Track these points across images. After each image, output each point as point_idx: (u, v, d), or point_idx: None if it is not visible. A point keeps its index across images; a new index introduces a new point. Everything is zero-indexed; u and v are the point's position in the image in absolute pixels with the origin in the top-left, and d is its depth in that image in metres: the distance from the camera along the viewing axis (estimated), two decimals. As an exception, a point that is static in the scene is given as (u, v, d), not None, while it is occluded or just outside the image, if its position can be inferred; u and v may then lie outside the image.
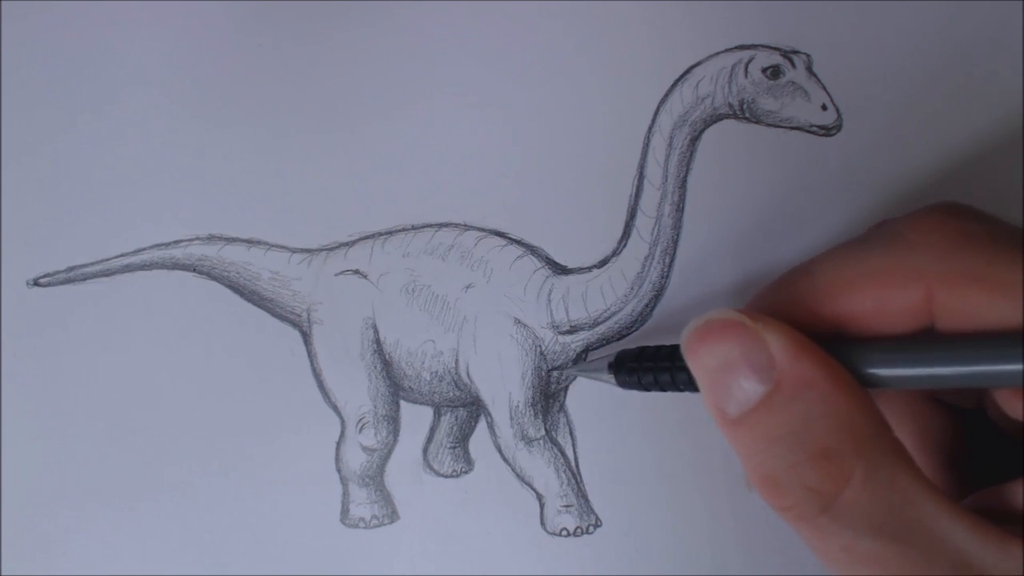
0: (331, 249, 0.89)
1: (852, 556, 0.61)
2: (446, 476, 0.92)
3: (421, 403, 0.90)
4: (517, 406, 0.86)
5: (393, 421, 0.89)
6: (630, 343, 0.87)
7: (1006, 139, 0.90)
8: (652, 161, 0.84)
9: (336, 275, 0.88)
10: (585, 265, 0.87)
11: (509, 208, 0.89)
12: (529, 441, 0.86)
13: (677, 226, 0.85)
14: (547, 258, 0.88)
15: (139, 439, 0.89)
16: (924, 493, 0.60)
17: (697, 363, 0.67)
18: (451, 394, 0.88)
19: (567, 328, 0.86)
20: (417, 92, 0.90)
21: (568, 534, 0.87)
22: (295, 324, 0.89)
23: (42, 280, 0.89)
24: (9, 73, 0.90)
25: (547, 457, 0.87)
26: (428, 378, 0.88)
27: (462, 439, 0.92)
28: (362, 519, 0.89)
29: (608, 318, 0.86)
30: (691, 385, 0.71)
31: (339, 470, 0.89)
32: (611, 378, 0.79)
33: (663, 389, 0.75)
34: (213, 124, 0.90)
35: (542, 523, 0.88)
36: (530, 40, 0.90)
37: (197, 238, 0.89)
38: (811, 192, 0.89)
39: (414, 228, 0.89)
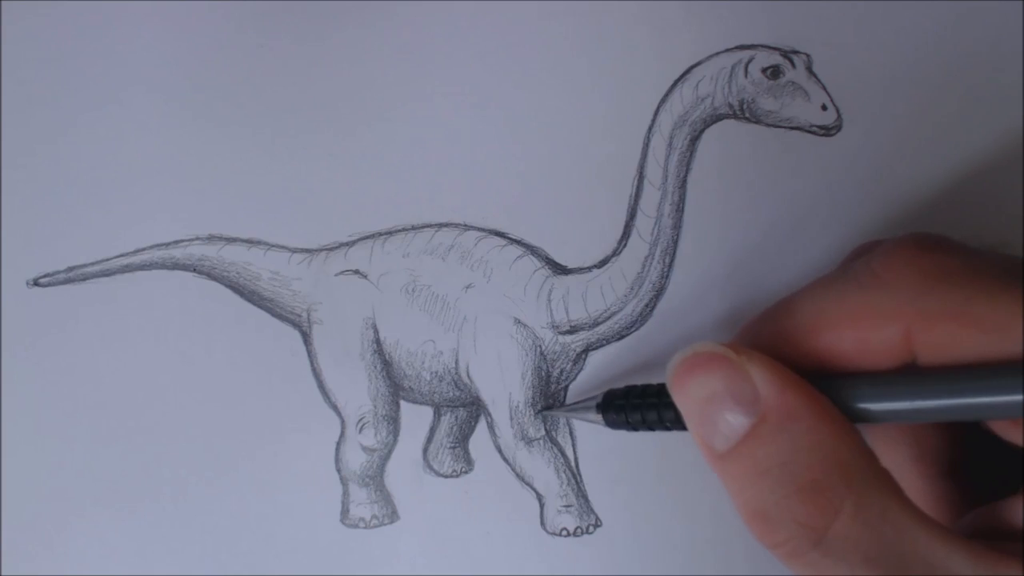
0: (331, 249, 0.89)
1: None
2: (446, 476, 0.92)
3: (421, 403, 0.90)
4: (517, 406, 0.86)
5: (393, 421, 0.89)
6: (630, 343, 0.87)
7: (1006, 139, 0.90)
8: (652, 161, 0.84)
9: (336, 275, 0.88)
10: (585, 265, 0.87)
11: (509, 208, 0.89)
12: (529, 441, 0.86)
13: (677, 226, 0.85)
14: (547, 258, 0.88)
15: (139, 439, 0.89)
16: (916, 522, 0.60)
17: (683, 396, 0.67)
18: (451, 394, 0.88)
19: (567, 328, 0.86)
20: (417, 92, 0.90)
21: (568, 534, 0.87)
22: (295, 324, 0.89)
23: (42, 280, 0.89)
24: (9, 73, 0.90)
25: (547, 457, 0.87)
26: (428, 378, 0.88)
27: (462, 439, 0.92)
28: (362, 519, 0.89)
29: (608, 318, 0.86)
30: (679, 423, 0.71)
31: (339, 470, 0.89)
32: (599, 419, 0.79)
33: (651, 428, 0.75)
34: (213, 124, 0.90)
35: (542, 523, 0.88)
36: (530, 40, 0.90)
37: (197, 238, 0.89)
38: (811, 192, 0.89)
39: (414, 228, 0.89)
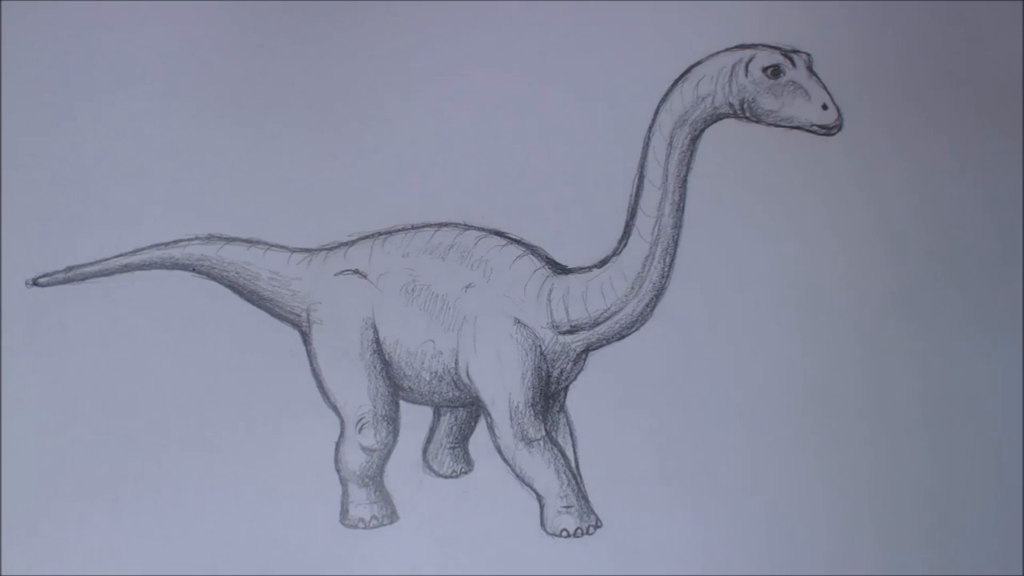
0: (331, 249, 0.89)
1: None
2: (446, 476, 0.92)
3: (421, 403, 0.90)
4: (517, 406, 0.86)
5: (393, 421, 0.89)
6: (630, 343, 0.87)
7: (1006, 139, 0.90)
8: (652, 161, 0.84)
9: (336, 275, 0.88)
10: (585, 265, 0.87)
11: (509, 208, 0.89)
12: (529, 441, 0.86)
13: (677, 226, 0.85)
14: (547, 258, 0.88)
15: (139, 439, 0.88)
16: None
17: None
18: (451, 394, 0.88)
19: (567, 328, 0.86)
20: (417, 92, 0.90)
21: (568, 535, 0.87)
22: (295, 324, 0.89)
23: (41, 280, 0.89)
24: (9, 73, 0.90)
25: (547, 457, 0.86)
26: (428, 378, 0.87)
27: (462, 439, 0.92)
28: (362, 519, 0.88)
29: (608, 318, 0.86)
30: None
31: (339, 470, 0.89)
32: None
33: None
34: (213, 124, 0.90)
35: (542, 524, 0.87)
36: (530, 40, 0.90)
37: (196, 238, 0.89)
38: (811, 192, 0.89)
39: (414, 228, 0.89)
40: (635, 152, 0.85)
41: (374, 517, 0.88)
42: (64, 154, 0.90)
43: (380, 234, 0.89)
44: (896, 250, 0.89)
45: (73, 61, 0.90)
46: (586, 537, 0.87)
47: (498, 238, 0.87)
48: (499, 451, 0.87)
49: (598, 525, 0.88)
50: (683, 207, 0.85)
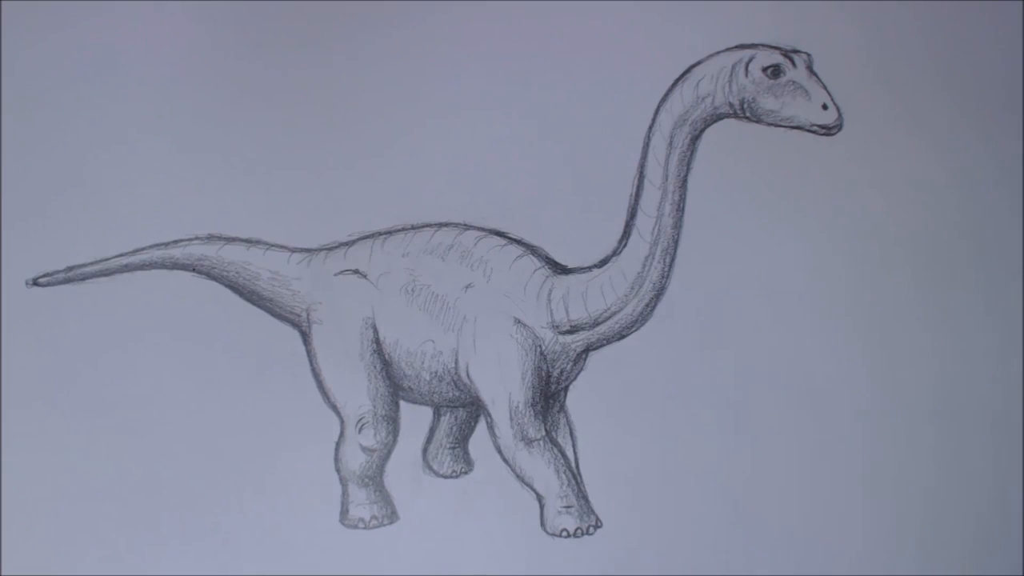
0: (330, 249, 0.89)
1: None
2: (446, 476, 0.92)
3: (421, 403, 0.90)
4: (517, 406, 0.86)
5: (393, 421, 0.89)
6: (630, 343, 0.87)
7: (1006, 139, 0.90)
8: (652, 160, 0.84)
9: (335, 275, 0.88)
10: (585, 265, 0.87)
11: (509, 208, 0.89)
12: (529, 442, 0.86)
13: (678, 226, 0.85)
14: (547, 258, 0.87)
15: (139, 439, 0.88)
16: None
17: None
18: (451, 394, 0.88)
19: (567, 328, 0.86)
20: (417, 92, 0.90)
21: (568, 535, 0.87)
22: (295, 324, 0.89)
23: (41, 280, 0.89)
24: (9, 73, 0.90)
25: (547, 458, 0.86)
26: (428, 378, 0.87)
27: (462, 439, 0.92)
28: (361, 519, 0.88)
29: (608, 318, 0.86)
30: None
31: (338, 470, 0.89)
32: None
33: None
34: (213, 124, 0.90)
35: (542, 524, 0.87)
36: (530, 40, 0.90)
37: (197, 238, 0.89)
38: (811, 192, 0.89)
39: (414, 228, 0.89)
40: (635, 152, 0.85)
41: (374, 517, 0.88)
42: (64, 154, 0.90)
43: (380, 234, 0.89)
44: (896, 250, 0.89)
45: (73, 61, 0.90)
46: (586, 537, 0.87)
47: (498, 238, 0.87)
48: (499, 451, 0.87)
49: (598, 525, 0.88)
50: (683, 207, 0.85)
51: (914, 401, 0.89)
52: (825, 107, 0.82)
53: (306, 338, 0.89)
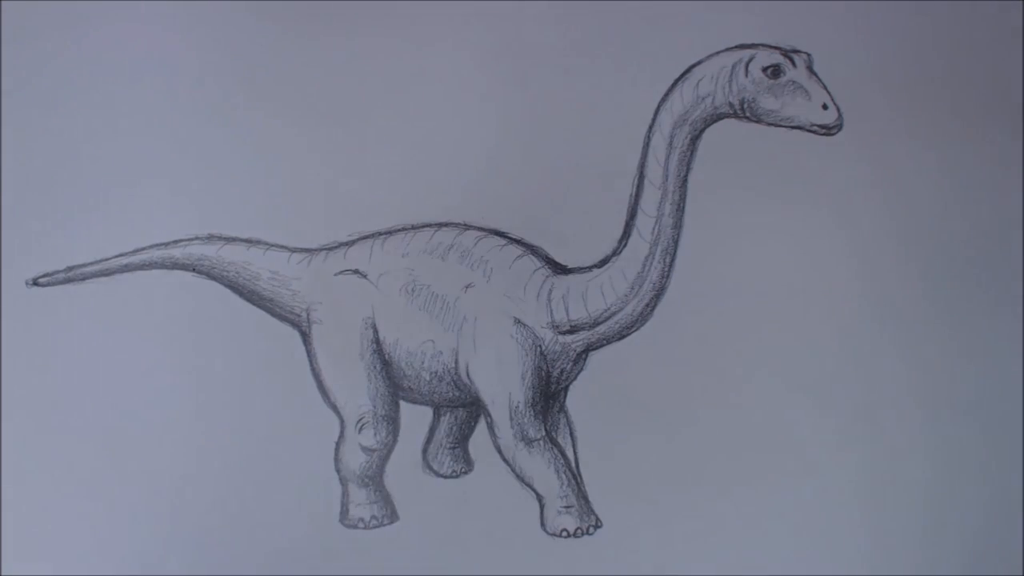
0: (330, 249, 0.89)
1: None
2: (446, 477, 0.92)
3: (421, 403, 0.90)
4: (517, 406, 0.86)
5: (393, 421, 0.89)
6: (630, 343, 0.87)
7: (1006, 139, 0.90)
8: (652, 160, 0.84)
9: (335, 275, 0.88)
10: (585, 265, 0.87)
11: (509, 208, 0.89)
12: (529, 442, 0.86)
13: (678, 226, 0.85)
14: (547, 258, 0.88)
15: (138, 439, 0.88)
16: None
17: None
18: (451, 394, 0.88)
19: (567, 328, 0.86)
20: (417, 92, 0.90)
21: (568, 535, 0.87)
22: (295, 324, 0.89)
23: (41, 280, 0.89)
24: (9, 73, 0.90)
25: (547, 458, 0.86)
26: (428, 378, 0.87)
27: (462, 439, 0.92)
28: (361, 519, 0.88)
29: (608, 318, 0.86)
30: None
31: (339, 470, 0.89)
32: None
33: None
34: (213, 123, 0.90)
35: (542, 524, 0.87)
36: (530, 40, 0.90)
37: (197, 238, 0.89)
38: (811, 192, 0.89)
39: (414, 228, 0.89)
40: (635, 152, 0.85)
41: (374, 517, 0.88)
42: (64, 154, 0.90)
43: (380, 234, 0.89)
44: (896, 250, 0.89)
45: (73, 61, 0.90)
46: (586, 537, 0.87)
47: (498, 238, 0.87)
48: (499, 451, 0.87)
49: (598, 525, 0.88)
50: (683, 207, 0.85)
51: (914, 400, 0.89)
52: (825, 107, 0.82)
53: (306, 338, 0.89)
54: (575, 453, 0.89)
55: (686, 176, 0.84)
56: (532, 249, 0.87)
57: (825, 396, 0.89)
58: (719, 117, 0.84)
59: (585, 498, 0.88)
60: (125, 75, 0.90)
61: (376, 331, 0.87)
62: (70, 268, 0.89)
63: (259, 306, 0.90)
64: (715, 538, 0.88)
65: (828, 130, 0.83)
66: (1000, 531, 0.89)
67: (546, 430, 0.87)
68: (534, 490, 0.87)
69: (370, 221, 0.89)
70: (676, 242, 0.85)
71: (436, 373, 0.87)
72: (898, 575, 0.88)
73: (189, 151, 0.90)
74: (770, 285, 0.89)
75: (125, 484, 0.88)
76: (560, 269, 0.87)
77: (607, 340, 0.87)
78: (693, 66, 0.84)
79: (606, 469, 0.88)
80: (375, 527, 0.88)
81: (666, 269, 0.85)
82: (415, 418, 0.90)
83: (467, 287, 0.86)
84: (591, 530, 0.87)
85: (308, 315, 0.88)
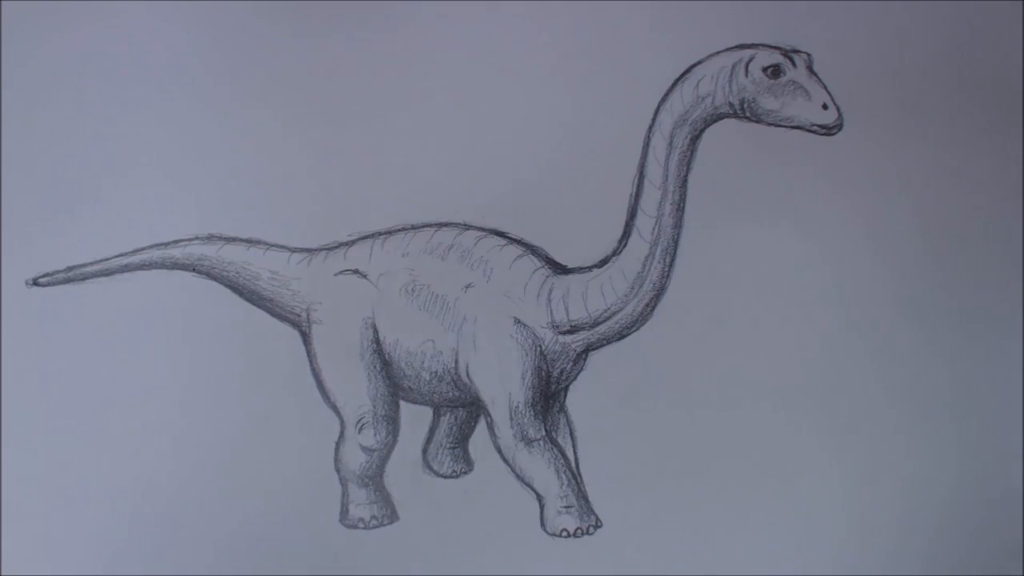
0: (330, 249, 0.89)
1: None
2: (446, 476, 0.92)
3: (421, 403, 0.90)
4: (517, 406, 0.86)
5: (393, 421, 0.89)
6: (630, 342, 0.87)
7: (1006, 139, 0.90)
8: (652, 160, 0.84)
9: (335, 275, 0.88)
10: (585, 265, 0.87)
11: (509, 208, 0.89)
12: (529, 442, 0.86)
13: (678, 225, 0.85)
14: (547, 258, 0.88)
15: (139, 439, 0.88)
16: None
17: None
18: (451, 394, 0.88)
19: (567, 328, 0.86)
20: (417, 92, 0.90)
21: (568, 535, 0.87)
22: (295, 324, 0.89)
23: (42, 280, 0.89)
24: (9, 73, 0.90)
25: (547, 458, 0.86)
26: (428, 378, 0.87)
27: (462, 439, 0.92)
28: (361, 519, 0.88)
29: (608, 318, 0.86)
30: None
31: (338, 470, 0.89)
32: None
33: None
34: (213, 123, 0.90)
35: (542, 524, 0.88)
36: (531, 40, 0.90)
37: (197, 238, 0.89)
38: (811, 192, 0.89)
39: (414, 228, 0.89)
40: (635, 152, 0.85)
41: (374, 517, 0.88)
42: (64, 154, 0.90)
43: (380, 234, 0.89)
44: (896, 249, 0.89)
45: (73, 61, 0.90)
46: (586, 537, 0.87)
47: (498, 238, 0.87)
48: (499, 451, 0.87)
49: (598, 525, 0.88)
50: (683, 207, 0.85)
51: (914, 400, 0.89)
52: (825, 107, 0.82)
53: (306, 338, 0.89)
54: (575, 453, 0.89)
55: (686, 176, 0.84)
56: (532, 249, 0.87)
57: (826, 396, 0.89)
58: (719, 117, 0.84)
59: (585, 498, 0.88)
60: (125, 76, 0.90)
61: (376, 331, 0.87)
62: (70, 268, 0.89)
63: (259, 306, 0.90)
64: (715, 538, 0.88)
65: (828, 130, 0.83)
66: (1000, 531, 0.89)
67: (546, 430, 0.87)
68: (534, 490, 0.87)
69: (370, 221, 0.89)
70: (676, 242, 0.85)
71: (436, 373, 0.87)
72: (898, 574, 0.88)
73: (189, 151, 0.90)
74: (770, 285, 0.89)
75: (125, 483, 0.88)
76: (560, 269, 0.87)
77: (607, 340, 0.87)
78: (693, 66, 0.84)
79: (606, 469, 0.88)
80: (375, 527, 0.88)
81: (666, 269, 0.85)
82: (415, 418, 0.90)
83: (467, 287, 0.86)
84: (591, 530, 0.87)
85: (308, 315, 0.88)
